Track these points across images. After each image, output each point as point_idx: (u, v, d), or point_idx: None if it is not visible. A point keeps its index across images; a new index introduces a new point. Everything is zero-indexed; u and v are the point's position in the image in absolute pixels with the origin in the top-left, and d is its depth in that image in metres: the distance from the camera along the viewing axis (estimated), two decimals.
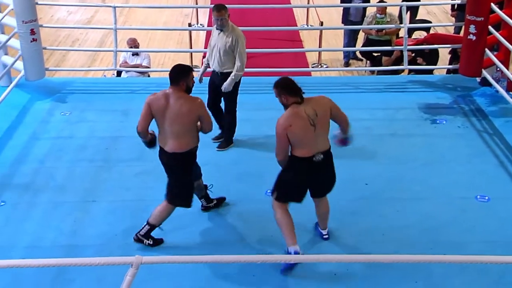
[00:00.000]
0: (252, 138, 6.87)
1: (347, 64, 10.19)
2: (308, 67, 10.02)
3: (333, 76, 9.59)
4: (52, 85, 7.98)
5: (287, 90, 4.80)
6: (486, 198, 5.83)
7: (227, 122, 6.68)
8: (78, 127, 7.10)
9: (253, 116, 7.29)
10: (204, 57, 6.80)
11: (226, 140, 6.71)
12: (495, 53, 7.56)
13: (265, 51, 9.72)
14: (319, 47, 10.29)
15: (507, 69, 7.27)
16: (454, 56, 8.62)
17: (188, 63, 10.04)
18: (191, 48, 10.17)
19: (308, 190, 5.02)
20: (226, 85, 6.41)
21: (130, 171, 6.24)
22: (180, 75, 4.95)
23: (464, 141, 6.84)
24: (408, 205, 5.74)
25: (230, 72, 6.41)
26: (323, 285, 4.82)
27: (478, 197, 5.85)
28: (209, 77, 6.66)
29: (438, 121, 7.25)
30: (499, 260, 4.35)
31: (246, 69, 8.90)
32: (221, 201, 5.71)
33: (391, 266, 4.85)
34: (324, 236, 5.30)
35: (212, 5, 6.49)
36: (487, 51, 7.45)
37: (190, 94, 5.03)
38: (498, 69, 7.45)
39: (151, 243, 5.19)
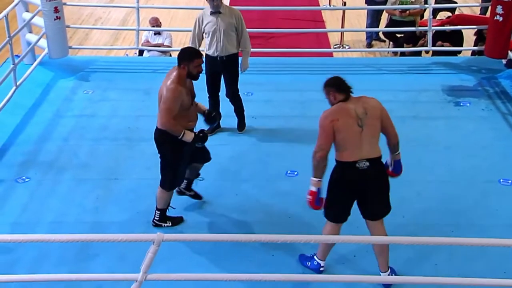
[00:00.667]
0: (272, 119, 6.89)
1: (369, 45, 10.12)
2: (330, 48, 9.98)
3: (355, 57, 9.57)
4: (75, 64, 8.08)
5: (336, 87, 4.51)
6: (510, 181, 5.82)
7: (238, 106, 6.59)
8: (100, 105, 7.19)
9: (273, 97, 7.31)
10: None
11: (242, 122, 6.67)
12: None
13: (287, 31, 9.71)
14: (342, 27, 10.22)
15: None
16: (480, 38, 8.52)
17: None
18: None
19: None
20: (245, 64, 6.40)
21: (152, 150, 6.16)
22: (183, 58, 4.85)
23: (488, 124, 6.82)
24: (430, 188, 5.75)
25: (234, 54, 6.32)
26: (342, 265, 4.86)
27: (502, 180, 5.84)
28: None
29: (461, 104, 7.23)
30: None
31: (267, 49, 8.96)
32: (197, 197, 5.52)
33: (411, 248, 4.90)
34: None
35: None
36: None
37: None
38: None
39: (170, 224, 5.23)
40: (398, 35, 9.39)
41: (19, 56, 7.33)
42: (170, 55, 8.92)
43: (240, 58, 6.47)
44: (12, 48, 6.96)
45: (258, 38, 9.86)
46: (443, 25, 8.25)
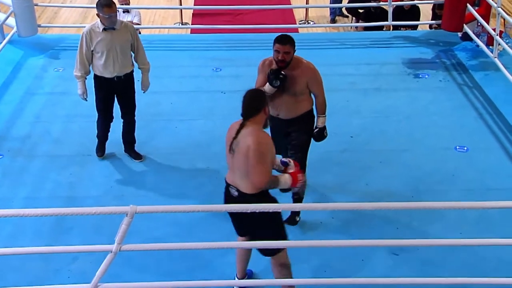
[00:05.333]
0: (241, 94, 6.94)
1: (333, 21, 10.31)
2: (296, 24, 10.12)
3: (319, 32, 9.71)
4: (45, 42, 8.06)
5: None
6: (465, 148, 6.07)
7: (133, 124, 5.90)
8: (71, 83, 7.00)
9: (241, 73, 7.40)
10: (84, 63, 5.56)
11: (133, 149, 5.98)
12: (476, 8, 7.69)
13: (254, 7, 9.81)
14: (306, 4, 10.36)
15: (488, 24, 7.40)
16: (434, 14, 8.73)
17: (177, 19, 10.13)
18: (180, 5, 10.22)
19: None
20: (146, 82, 5.76)
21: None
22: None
23: (445, 94, 7.05)
24: (391, 156, 5.96)
25: (131, 72, 5.65)
26: (309, 231, 5.03)
27: (458, 147, 6.08)
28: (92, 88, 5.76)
29: (420, 76, 7.44)
30: (475, 205, 4.60)
31: (234, 26, 9.05)
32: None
33: (374, 213, 5.10)
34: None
35: None
36: (469, 6, 7.59)
37: None
38: (479, 24, 7.61)
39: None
40: (360, 10, 9.59)
41: None
42: (139, 33, 8.95)
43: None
44: None
45: (226, 15, 9.99)
46: (403, 0, 8.45)
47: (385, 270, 4.66)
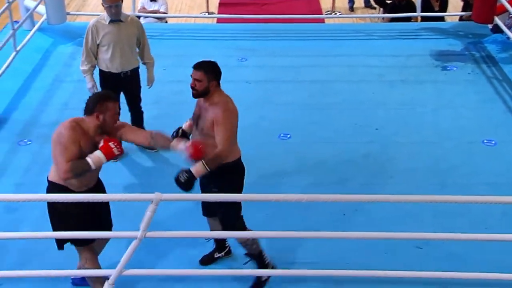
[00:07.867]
0: (266, 84, 7.01)
1: (352, 9, 10.26)
2: (322, 14, 10.08)
3: (346, 23, 9.63)
4: (74, 29, 8.07)
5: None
6: (493, 142, 6.00)
7: (140, 113, 5.88)
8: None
9: (267, 63, 7.42)
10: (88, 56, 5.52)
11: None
12: None
13: None
14: None
15: None
16: (466, 4, 8.61)
17: (204, 9, 10.14)
18: None
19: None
20: (152, 77, 5.74)
21: (148, 114, 6.42)
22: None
23: (474, 87, 6.97)
24: (417, 149, 5.92)
25: (137, 68, 5.64)
26: (332, 222, 5.01)
27: (485, 141, 6.02)
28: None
29: (448, 68, 7.37)
30: (502, 200, 4.54)
31: (260, 16, 9.04)
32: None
33: (398, 206, 4.99)
34: None
35: None
36: None
37: None
38: (510, 15, 7.53)
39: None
40: (388, 1, 9.50)
41: (18, 22, 7.40)
42: (166, 22, 9.02)
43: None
44: (12, 14, 7.04)
45: (252, 5, 9.98)
46: None
47: (408, 264, 4.62)
